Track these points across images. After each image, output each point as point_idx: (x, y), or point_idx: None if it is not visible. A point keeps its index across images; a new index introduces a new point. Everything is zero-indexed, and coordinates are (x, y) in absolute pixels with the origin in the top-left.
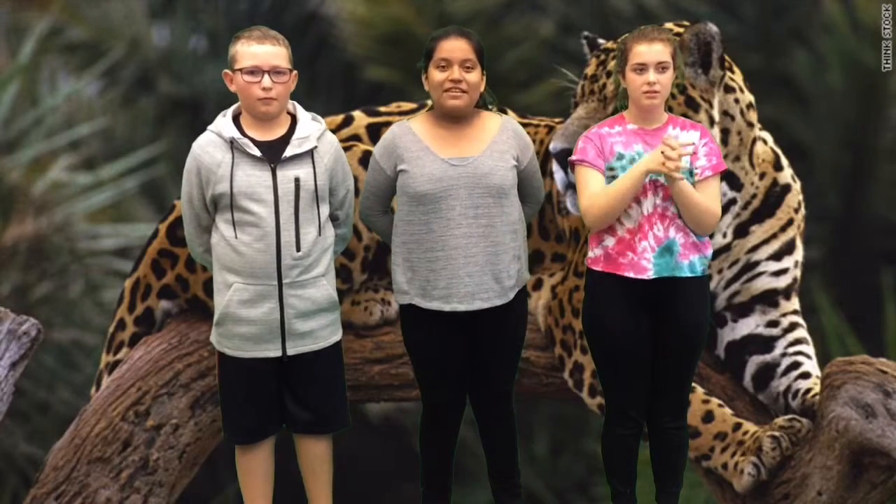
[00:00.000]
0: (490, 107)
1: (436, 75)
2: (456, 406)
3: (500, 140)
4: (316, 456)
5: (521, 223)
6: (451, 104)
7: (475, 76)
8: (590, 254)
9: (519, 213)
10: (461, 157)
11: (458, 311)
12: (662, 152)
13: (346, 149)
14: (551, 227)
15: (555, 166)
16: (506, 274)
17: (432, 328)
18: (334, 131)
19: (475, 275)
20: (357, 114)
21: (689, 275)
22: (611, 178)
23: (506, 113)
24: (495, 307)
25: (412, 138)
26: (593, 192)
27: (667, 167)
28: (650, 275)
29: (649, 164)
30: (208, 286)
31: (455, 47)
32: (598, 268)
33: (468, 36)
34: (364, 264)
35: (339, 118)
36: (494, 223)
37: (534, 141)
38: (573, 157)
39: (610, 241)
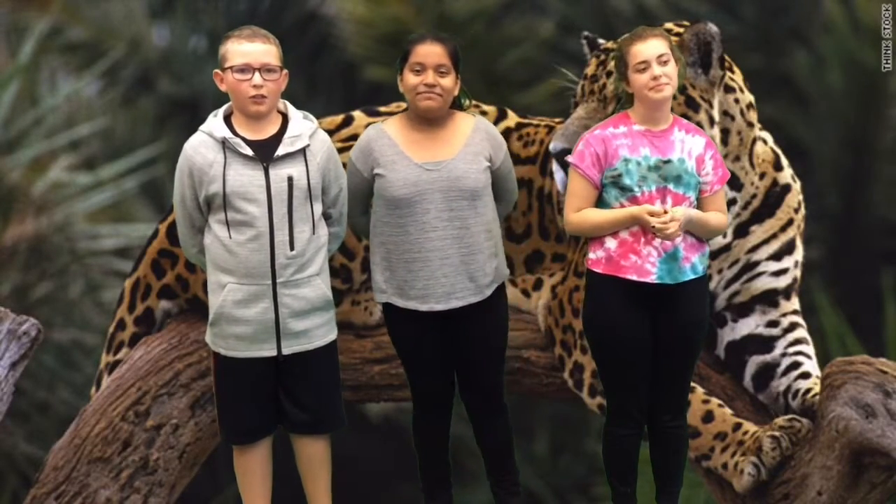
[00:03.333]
0: (465, 102)
1: (410, 78)
2: (443, 395)
3: (473, 141)
4: (313, 456)
5: (495, 222)
6: (424, 105)
7: (449, 81)
8: (590, 255)
9: (493, 213)
10: (435, 160)
11: (435, 311)
12: (651, 214)
13: (346, 149)
14: (551, 227)
15: (555, 166)
16: (481, 273)
17: (410, 325)
18: (334, 131)
19: (451, 275)
20: (357, 114)
21: (691, 276)
22: (614, 183)
23: (506, 114)
24: (472, 304)
25: (387, 142)
26: (577, 207)
27: (658, 233)
28: (653, 279)
29: (640, 215)
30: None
31: (430, 52)
32: (598, 269)
33: (443, 41)
34: (364, 264)
35: (339, 118)
36: (468, 225)
37: (533, 141)
38: (570, 158)
39: (612, 244)
